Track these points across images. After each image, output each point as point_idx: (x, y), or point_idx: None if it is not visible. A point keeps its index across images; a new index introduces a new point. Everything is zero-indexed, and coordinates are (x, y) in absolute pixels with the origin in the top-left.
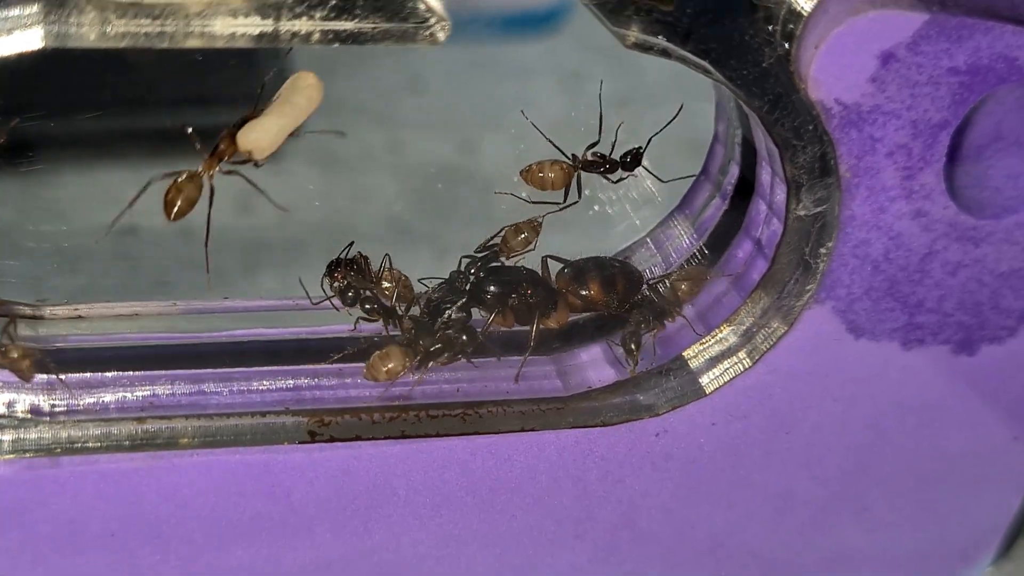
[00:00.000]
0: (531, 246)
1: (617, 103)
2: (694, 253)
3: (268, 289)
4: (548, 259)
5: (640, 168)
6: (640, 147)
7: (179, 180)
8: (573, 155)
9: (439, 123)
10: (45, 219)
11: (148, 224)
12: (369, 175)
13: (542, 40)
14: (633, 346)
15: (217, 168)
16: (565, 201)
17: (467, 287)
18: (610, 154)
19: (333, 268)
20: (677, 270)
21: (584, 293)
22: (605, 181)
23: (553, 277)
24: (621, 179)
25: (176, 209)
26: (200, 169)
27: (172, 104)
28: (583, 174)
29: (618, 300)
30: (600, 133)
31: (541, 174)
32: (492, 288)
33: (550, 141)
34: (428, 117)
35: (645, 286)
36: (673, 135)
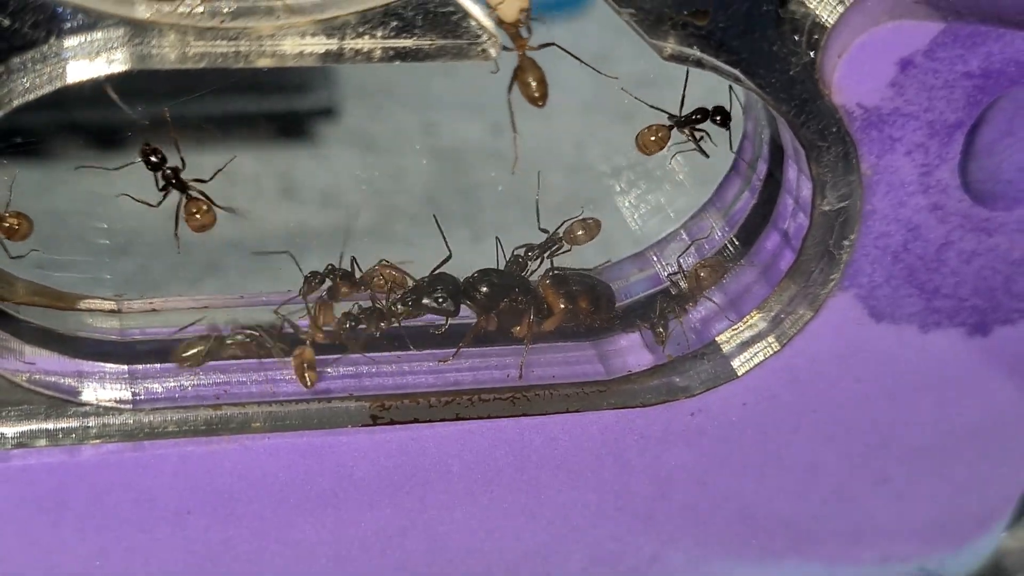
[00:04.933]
0: (592, 240)
1: (641, 84)
2: (725, 245)
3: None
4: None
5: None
6: (727, 108)
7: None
8: (669, 115)
9: (471, 105)
10: (96, 205)
11: None
12: (405, 157)
13: (567, 22)
14: (661, 329)
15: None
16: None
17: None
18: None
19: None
20: (696, 263)
21: (571, 305)
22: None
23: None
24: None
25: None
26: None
27: (216, 91)
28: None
29: (602, 310)
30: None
31: (642, 140)
32: (483, 289)
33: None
34: (460, 99)
35: (668, 278)
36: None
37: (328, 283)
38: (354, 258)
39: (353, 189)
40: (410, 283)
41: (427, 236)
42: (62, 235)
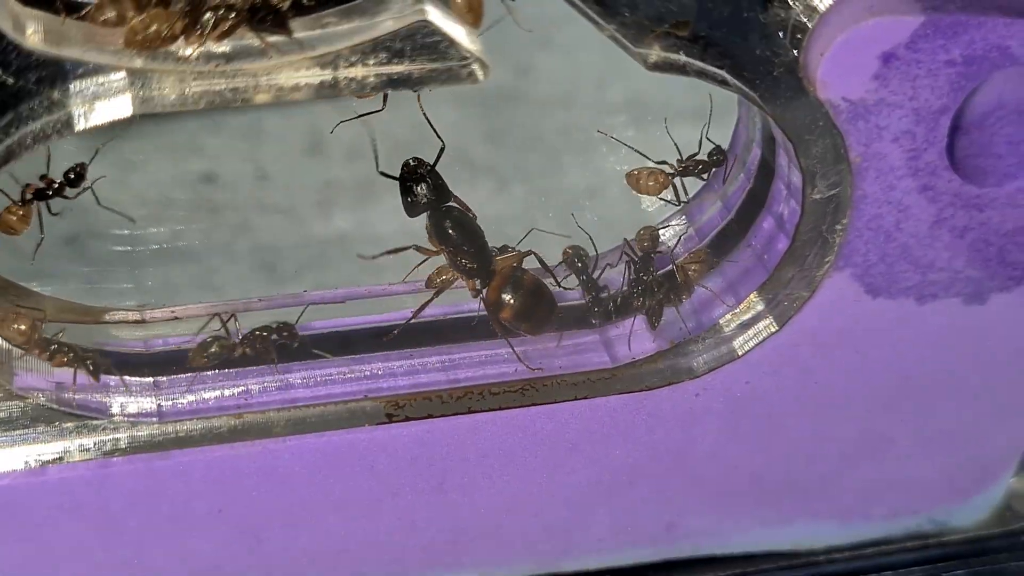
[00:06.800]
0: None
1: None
2: (723, 228)
3: (342, 229)
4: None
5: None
6: (722, 148)
7: None
8: (670, 164)
9: (492, 47)
10: (126, 170)
11: (225, 171)
12: (429, 104)
13: None
14: (655, 319)
15: None
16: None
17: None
18: (696, 156)
19: None
20: (684, 258)
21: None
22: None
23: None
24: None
25: None
26: None
27: None
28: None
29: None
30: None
31: (640, 181)
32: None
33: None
34: (481, 40)
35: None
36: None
37: None
38: None
39: (380, 142)
40: None
41: (452, 185)
42: (83, 245)
